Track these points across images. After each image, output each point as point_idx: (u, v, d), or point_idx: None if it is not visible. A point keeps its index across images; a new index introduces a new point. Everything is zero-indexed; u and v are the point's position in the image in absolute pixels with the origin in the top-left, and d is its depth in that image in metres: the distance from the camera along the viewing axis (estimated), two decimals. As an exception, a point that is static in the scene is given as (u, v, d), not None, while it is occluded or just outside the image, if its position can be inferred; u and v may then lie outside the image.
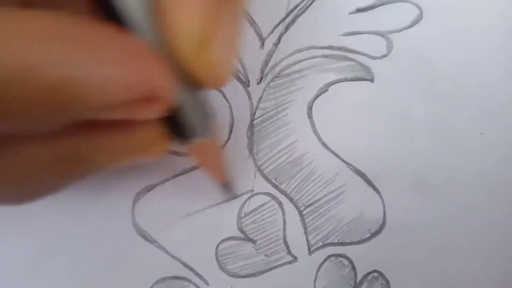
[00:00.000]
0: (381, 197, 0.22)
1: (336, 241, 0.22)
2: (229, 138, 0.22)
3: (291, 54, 0.23)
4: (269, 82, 0.23)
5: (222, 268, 0.21)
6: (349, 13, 0.24)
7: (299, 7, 0.24)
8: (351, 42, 0.24)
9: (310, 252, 0.22)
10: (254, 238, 0.22)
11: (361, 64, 0.23)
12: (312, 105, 0.23)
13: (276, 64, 0.23)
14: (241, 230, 0.22)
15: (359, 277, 0.22)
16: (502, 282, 0.22)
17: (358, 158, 0.22)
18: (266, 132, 0.23)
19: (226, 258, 0.22)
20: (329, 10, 0.24)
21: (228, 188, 0.21)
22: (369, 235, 0.22)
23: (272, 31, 0.23)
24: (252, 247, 0.22)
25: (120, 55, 0.12)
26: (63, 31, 0.11)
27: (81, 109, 0.12)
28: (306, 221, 0.22)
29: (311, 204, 0.22)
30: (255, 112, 0.23)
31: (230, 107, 0.23)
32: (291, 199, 0.22)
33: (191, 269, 0.21)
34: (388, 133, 0.23)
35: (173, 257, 0.21)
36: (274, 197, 0.22)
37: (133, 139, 0.15)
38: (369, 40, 0.24)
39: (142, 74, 0.12)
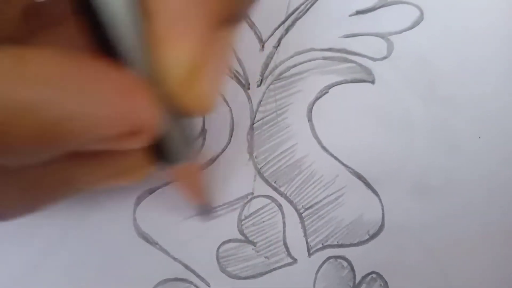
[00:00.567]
0: (380, 199, 0.22)
1: (335, 243, 0.22)
2: (229, 141, 0.23)
3: (291, 57, 0.23)
4: (269, 85, 0.23)
5: (223, 270, 0.22)
6: (349, 15, 0.24)
7: (299, 10, 0.24)
8: (351, 44, 0.23)
9: (309, 254, 0.22)
10: (254, 240, 0.22)
11: (361, 66, 0.23)
12: (312, 108, 0.23)
13: (276, 67, 0.23)
14: (241, 232, 0.22)
15: (358, 278, 0.22)
16: (501, 284, 0.22)
17: (357, 160, 0.23)
18: (266, 135, 0.23)
19: (226, 260, 0.22)
20: (329, 12, 0.24)
21: (206, 210, 0.22)
22: (368, 237, 0.22)
23: (272, 34, 0.23)
24: (252, 249, 0.22)
25: (115, 93, 0.12)
26: (60, 70, 0.11)
27: (72, 144, 0.12)
28: (306, 223, 0.22)
29: (310, 207, 0.22)
30: (255, 115, 0.23)
31: (230, 110, 0.23)
32: (290, 202, 0.22)
33: (192, 271, 0.22)
34: (387, 135, 0.23)
35: (174, 259, 0.22)
36: (274, 200, 0.22)
37: (117, 165, 0.15)
38: (370, 42, 0.24)
39: (133, 110, 0.12)
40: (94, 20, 0.12)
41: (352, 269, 0.22)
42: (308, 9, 0.24)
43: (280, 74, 0.23)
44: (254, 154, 0.23)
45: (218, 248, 0.22)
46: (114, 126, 0.12)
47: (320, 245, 0.22)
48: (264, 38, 0.23)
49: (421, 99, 0.23)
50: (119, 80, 0.12)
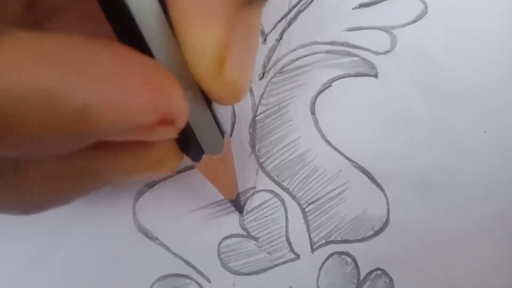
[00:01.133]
0: (385, 194, 0.22)
1: (339, 238, 0.22)
2: (231, 135, 0.22)
3: (294, 50, 0.23)
4: (272, 78, 0.23)
5: (224, 265, 0.21)
6: (352, 8, 0.24)
7: (302, 3, 0.23)
8: (355, 38, 0.23)
9: (312, 250, 0.22)
10: (257, 236, 0.22)
11: (364, 59, 0.23)
12: (315, 101, 0.23)
13: (278, 60, 0.23)
14: (243, 227, 0.22)
15: (362, 275, 0.21)
16: (505, 280, 0.21)
17: (362, 154, 0.22)
18: (268, 129, 0.22)
19: (228, 255, 0.21)
20: (332, 6, 0.23)
21: (236, 204, 0.21)
22: (372, 232, 0.22)
23: (275, 27, 0.23)
24: (255, 244, 0.22)
25: (142, 80, 0.11)
26: (84, 55, 0.11)
27: (99, 134, 0.11)
28: (309, 218, 0.22)
29: (314, 201, 0.22)
30: (257, 108, 0.22)
31: (232, 103, 0.22)
32: (293, 196, 0.22)
33: (193, 267, 0.21)
34: (392, 129, 0.23)
35: (175, 254, 0.21)
36: (276, 194, 0.22)
37: (146, 156, 0.15)
38: (373, 36, 0.23)
39: (162, 99, 0.12)
40: (114, 10, 0.11)
41: (356, 266, 0.21)
42: (311, 2, 0.23)
43: (283, 67, 0.23)
44: (256, 148, 0.22)
45: (219, 243, 0.21)
46: (143, 115, 0.11)
47: (324, 241, 0.22)
48: (266, 31, 0.23)
49: (423, 94, 0.23)
50: (146, 67, 0.12)
